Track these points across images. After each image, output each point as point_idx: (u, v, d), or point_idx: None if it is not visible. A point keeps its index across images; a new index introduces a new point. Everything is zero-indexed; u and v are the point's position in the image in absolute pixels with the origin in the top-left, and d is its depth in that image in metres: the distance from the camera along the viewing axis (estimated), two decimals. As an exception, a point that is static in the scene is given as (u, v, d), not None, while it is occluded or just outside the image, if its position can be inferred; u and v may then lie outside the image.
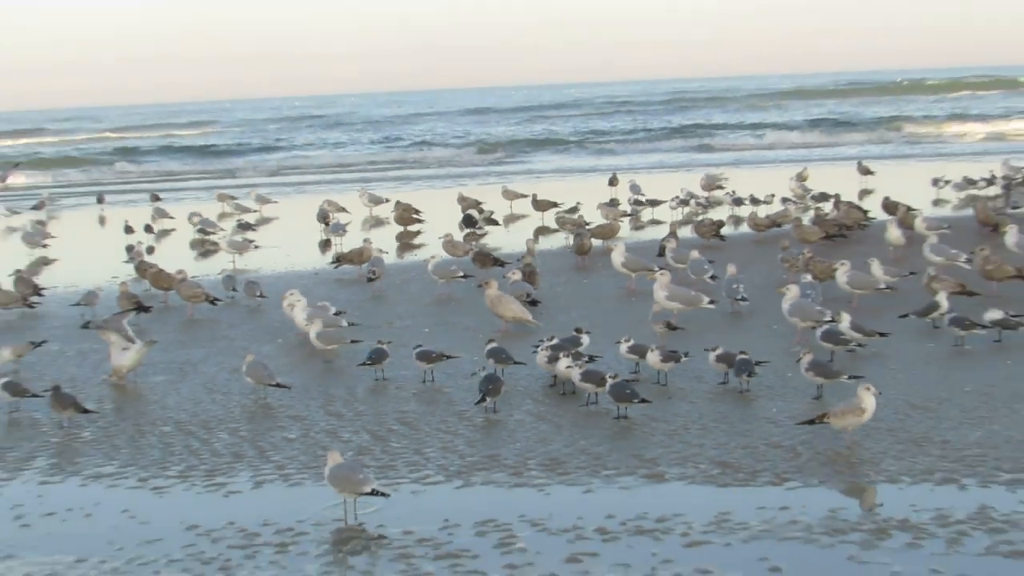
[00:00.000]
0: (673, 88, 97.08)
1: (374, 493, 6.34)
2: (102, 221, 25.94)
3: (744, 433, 8.01)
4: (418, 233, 20.32)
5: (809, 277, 12.20)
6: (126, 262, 16.46)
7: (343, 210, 21.86)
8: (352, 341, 11.04)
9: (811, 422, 7.59)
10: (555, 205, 20.29)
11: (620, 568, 5.59)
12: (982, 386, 8.96)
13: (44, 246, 19.47)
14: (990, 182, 21.41)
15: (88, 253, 20.93)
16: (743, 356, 8.99)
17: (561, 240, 18.59)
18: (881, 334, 10.19)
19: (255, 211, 23.82)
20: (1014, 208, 18.47)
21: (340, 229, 19.28)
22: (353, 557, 5.94)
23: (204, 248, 20.08)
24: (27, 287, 14.33)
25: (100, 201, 27.49)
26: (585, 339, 10.09)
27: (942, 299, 10.64)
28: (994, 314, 10.28)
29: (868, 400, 7.26)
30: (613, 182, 24.32)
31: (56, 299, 15.00)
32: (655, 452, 7.63)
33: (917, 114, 50.79)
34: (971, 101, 60.14)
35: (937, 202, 21.79)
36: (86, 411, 8.97)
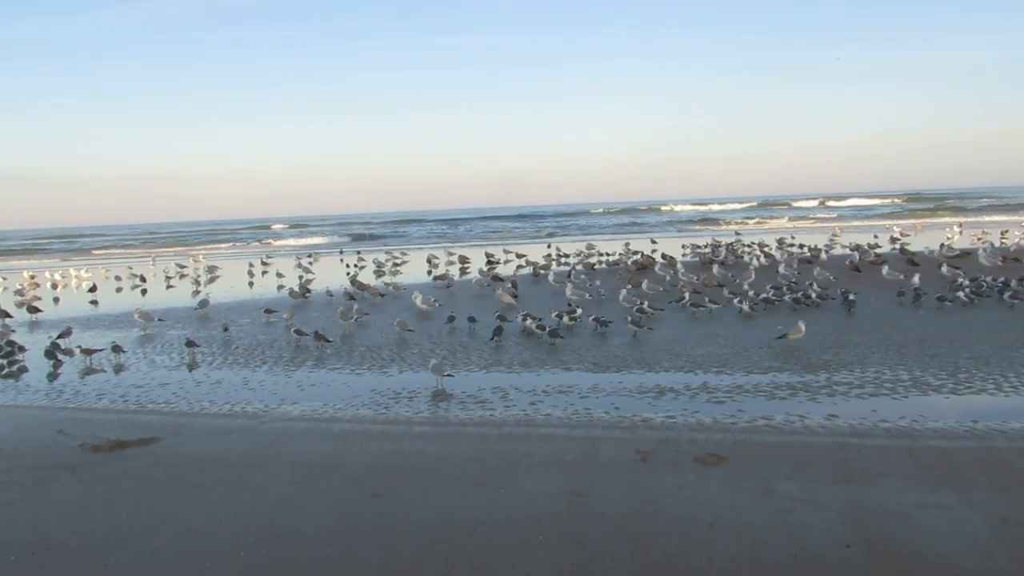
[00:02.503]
0: None
1: (448, 375, 14.04)
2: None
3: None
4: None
5: None
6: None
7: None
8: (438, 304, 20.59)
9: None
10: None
11: (553, 406, 12.57)
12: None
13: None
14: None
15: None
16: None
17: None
18: None
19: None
20: None
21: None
22: (440, 401, 13.34)
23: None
24: (301, 292, 24.96)
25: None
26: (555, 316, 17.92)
27: None
28: None
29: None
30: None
31: (315, 298, 24.44)
32: (567, 357, 15.17)
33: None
34: None
35: None
36: (328, 341, 17.59)
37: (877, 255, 28.53)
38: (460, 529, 7.74)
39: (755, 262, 28.68)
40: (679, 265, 28.48)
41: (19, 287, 33.57)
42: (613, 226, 76.00)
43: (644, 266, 29.76)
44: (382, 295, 25.79)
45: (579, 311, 18.98)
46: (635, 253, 34.02)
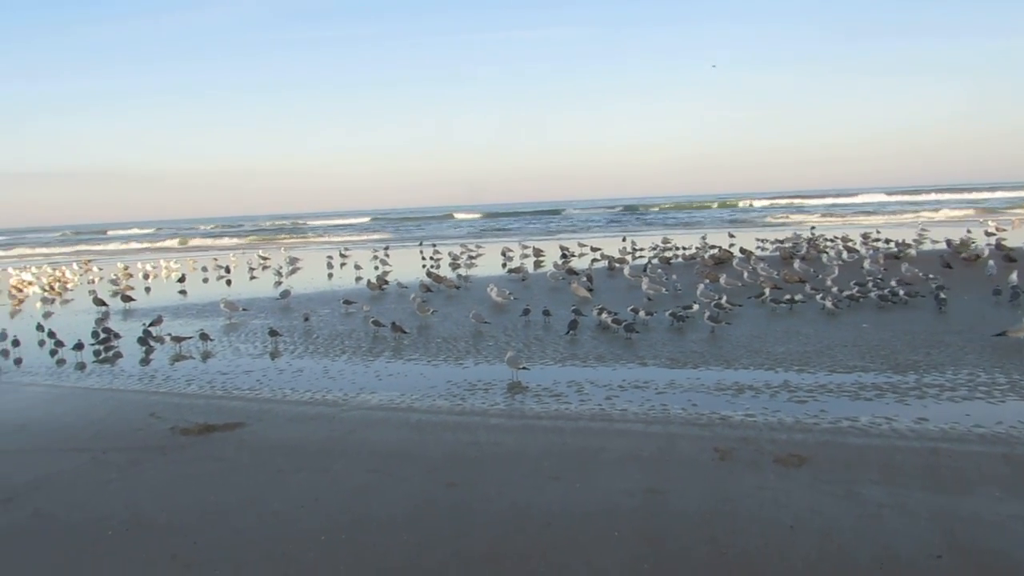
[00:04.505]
0: None
1: (523, 368, 14.07)
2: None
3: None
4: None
5: None
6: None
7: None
8: (513, 297, 20.34)
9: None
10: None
11: (629, 401, 12.45)
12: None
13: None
14: None
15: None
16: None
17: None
18: None
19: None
20: None
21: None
22: (516, 394, 13.36)
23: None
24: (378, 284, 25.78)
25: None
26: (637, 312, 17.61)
27: None
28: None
29: None
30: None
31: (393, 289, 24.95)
32: (643, 352, 14.95)
33: None
34: None
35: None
36: (404, 332, 17.83)
37: (972, 251, 27.28)
38: (536, 522, 7.75)
39: (838, 257, 27.80)
40: (755, 259, 27.97)
41: (114, 277, 35.16)
42: (686, 220, 74.88)
43: (721, 260, 29.20)
44: (457, 287, 26.07)
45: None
46: (712, 247, 33.43)
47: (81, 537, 7.86)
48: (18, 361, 17.59)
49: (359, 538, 7.54)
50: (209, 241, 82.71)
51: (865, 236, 35.16)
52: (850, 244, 31.89)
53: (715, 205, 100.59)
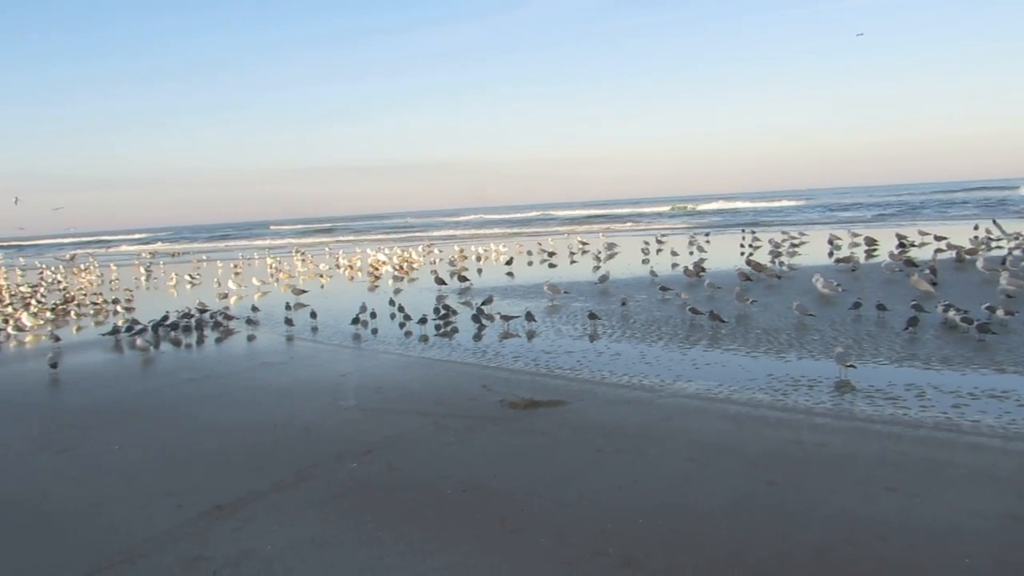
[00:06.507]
0: None
1: (851, 366, 13.01)
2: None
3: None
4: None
5: None
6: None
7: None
8: (841, 288, 18.31)
9: None
10: None
11: (982, 412, 10.82)
12: None
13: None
14: None
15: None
16: None
17: None
18: None
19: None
20: None
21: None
22: (844, 393, 12.27)
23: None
24: (695, 271, 24.81)
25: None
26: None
27: None
28: None
29: None
30: None
31: (709, 276, 24.51)
32: (1001, 357, 12.78)
33: None
34: None
35: None
36: (723, 321, 17.44)
37: None
38: (868, 534, 7.15)
39: None
40: None
41: (452, 259, 38.81)
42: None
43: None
44: (779, 277, 24.89)
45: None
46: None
47: (424, 492, 8.78)
48: (375, 331, 20.14)
49: (677, 525, 7.54)
50: (534, 228, 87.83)
51: None
52: None
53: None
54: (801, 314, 17.65)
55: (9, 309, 28.57)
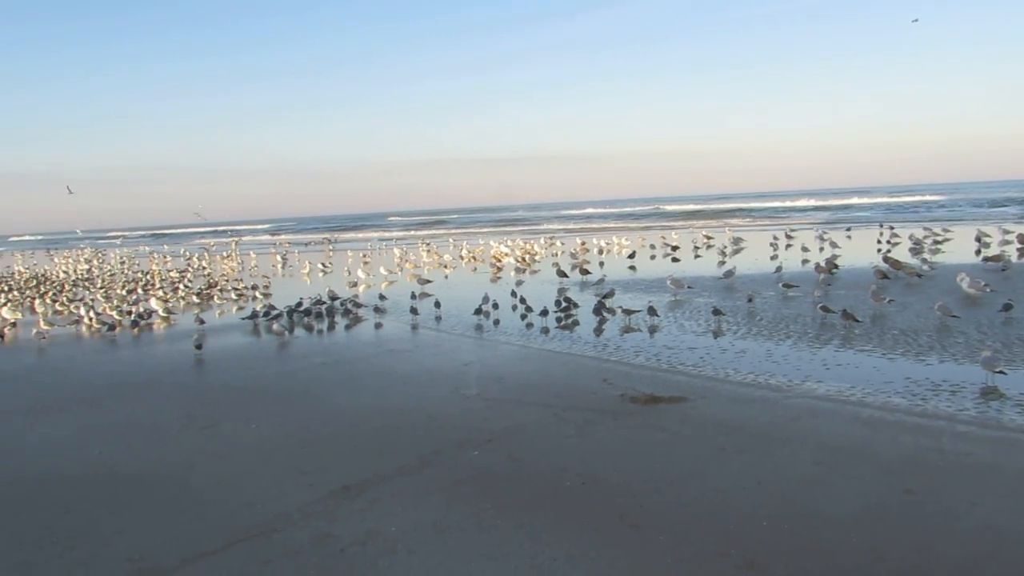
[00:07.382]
0: None
1: (1000, 372, 12.15)
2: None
3: None
4: None
5: None
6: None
7: None
8: (990, 289, 16.53)
9: None
10: None
11: None
12: None
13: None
14: None
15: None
16: None
17: None
18: None
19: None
20: None
21: None
22: (991, 400, 11.35)
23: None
24: (827, 268, 24.86)
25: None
26: None
27: None
28: None
29: None
30: None
31: (842, 274, 23.38)
32: None
33: None
34: None
35: None
36: (856, 320, 16.66)
37: None
38: (1016, 551, 6.66)
39: None
40: None
41: (573, 251, 38.79)
42: None
43: None
44: (919, 275, 23.47)
45: None
46: None
47: (543, 483, 8.84)
48: (496, 322, 20.42)
49: (803, 530, 7.27)
50: (664, 222, 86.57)
51: None
52: None
53: None
54: (944, 315, 16.61)
55: (160, 292, 30.74)
